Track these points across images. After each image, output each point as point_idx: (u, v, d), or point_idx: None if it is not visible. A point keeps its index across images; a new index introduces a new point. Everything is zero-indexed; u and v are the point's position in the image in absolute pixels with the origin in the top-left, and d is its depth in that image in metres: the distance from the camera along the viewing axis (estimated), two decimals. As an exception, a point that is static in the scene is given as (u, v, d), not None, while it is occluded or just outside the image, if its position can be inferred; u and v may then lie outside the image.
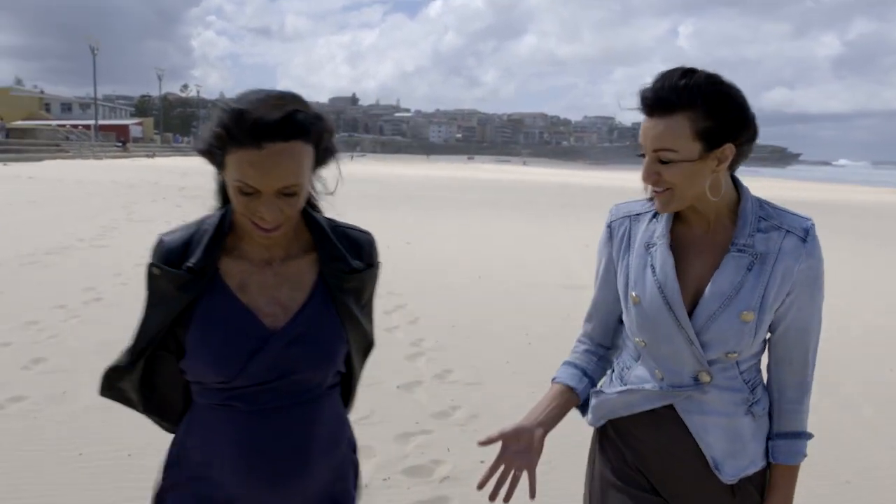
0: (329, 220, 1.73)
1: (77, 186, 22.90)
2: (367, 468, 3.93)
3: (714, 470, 1.73)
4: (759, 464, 1.77)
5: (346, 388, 1.81)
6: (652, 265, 1.73)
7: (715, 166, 1.62)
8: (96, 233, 12.56)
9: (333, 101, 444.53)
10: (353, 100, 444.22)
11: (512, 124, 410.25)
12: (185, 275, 1.58)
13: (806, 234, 1.66)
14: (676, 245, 1.73)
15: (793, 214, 1.71)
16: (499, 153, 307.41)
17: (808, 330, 1.72)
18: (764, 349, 1.78)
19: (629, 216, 1.83)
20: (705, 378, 1.70)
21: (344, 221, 1.76)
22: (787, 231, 1.67)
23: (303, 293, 1.65)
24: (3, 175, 26.43)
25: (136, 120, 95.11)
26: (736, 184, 1.72)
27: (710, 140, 1.58)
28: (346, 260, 1.68)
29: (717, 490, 1.75)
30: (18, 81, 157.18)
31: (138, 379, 1.68)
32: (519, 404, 2.97)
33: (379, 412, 4.75)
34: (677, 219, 1.75)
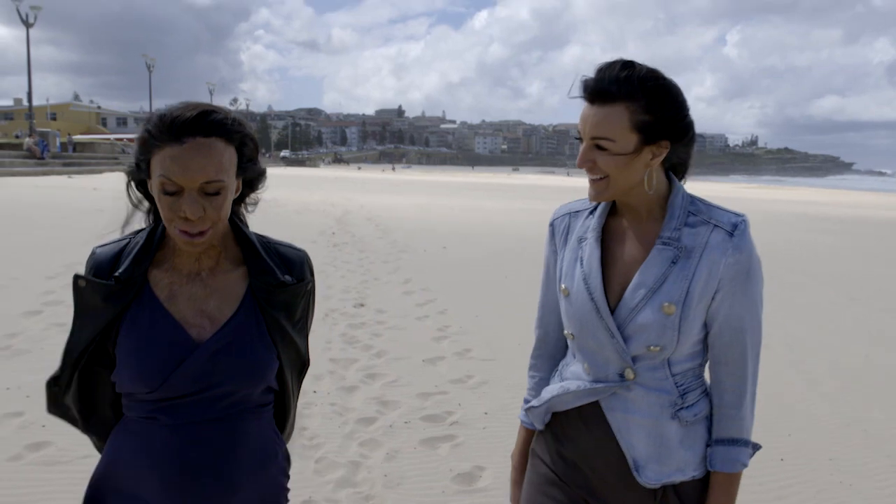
0: (260, 236, 1.76)
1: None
2: (392, 416, 4.90)
3: (633, 471, 1.72)
4: (690, 473, 1.73)
5: (281, 409, 1.81)
6: (581, 257, 1.76)
7: (649, 160, 1.65)
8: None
9: (380, 112, 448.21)
10: (399, 111, 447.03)
11: (557, 135, 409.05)
12: (112, 285, 1.60)
13: (734, 229, 1.66)
14: (608, 239, 1.76)
15: (724, 210, 1.70)
16: (544, 164, 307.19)
17: (742, 329, 1.69)
18: (704, 353, 1.76)
19: (569, 213, 1.88)
20: (629, 375, 1.70)
21: (277, 238, 1.81)
22: (715, 226, 1.67)
23: (231, 306, 1.66)
24: (70, 186, 28.05)
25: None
26: (670, 180, 1.74)
27: (647, 134, 1.62)
28: (274, 273, 1.69)
29: (639, 494, 1.74)
30: (76, 97, 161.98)
31: (75, 395, 1.69)
32: (524, 375, 3.86)
33: (405, 378, 5.71)
34: (611, 214, 1.79)
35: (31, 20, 41.76)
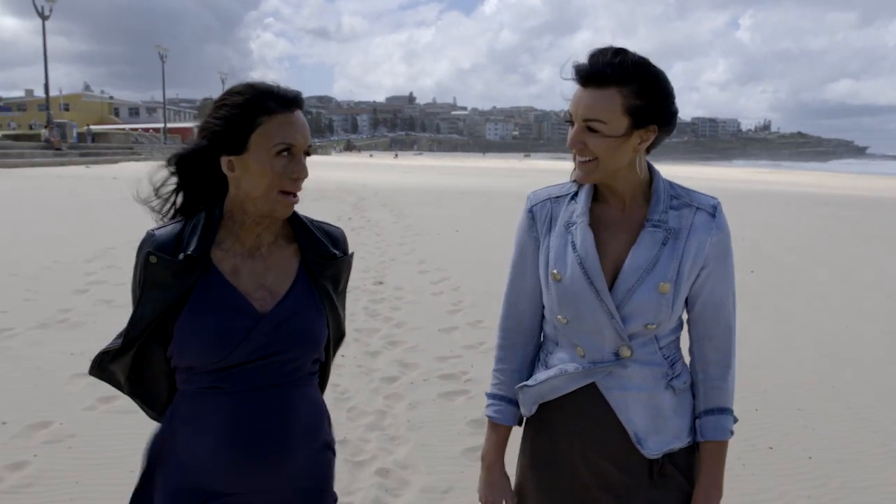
0: (305, 216, 1.88)
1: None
2: (412, 375, 5.53)
3: (636, 445, 1.77)
4: (684, 440, 1.82)
5: (322, 377, 1.93)
6: (573, 242, 1.79)
7: (637, 144, 1.71)
8: (185, 223, 14.44)
9: (390, 100, 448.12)
10: (410, 98, 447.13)
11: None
12: (182, 262, 1.68)
13: (714, 211, 1.77)
14: (595, 224, 1.79)
15: (701, 194, 1.82)
16: (555, 150, 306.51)
17: (724, 305, 1.80)
18: (681, 327, 1.85)
19: (550, 199, 1.89)
20: (626, 353, 1.76)
21: (317, 219, 1.93)
22: (698, 208, 1.77)
23: (288, 279, 1.78)
24: (90, 175, 28.78)
25: (198, 122, 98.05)
26: (649, 167, 1.82)
27: (638, 118, 1.67)
28: (325, 247, 1.83)
29: (637, 467, 1.80)
30: (87, 87, 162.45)
31: (128, 365, 1.77)
32: None
33: (423, 344, 6.34)
34: (595, 199, 1.83)
35: (46, 12, 42.44)
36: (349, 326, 6.71)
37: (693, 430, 1.83)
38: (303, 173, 1.70)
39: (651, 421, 1.78)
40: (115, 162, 42.70)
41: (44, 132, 41.26)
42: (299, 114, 1.71)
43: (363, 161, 77.34)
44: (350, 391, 5.13)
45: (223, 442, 1.71)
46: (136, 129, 64.59)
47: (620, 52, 1.68)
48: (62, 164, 36.53)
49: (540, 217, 1.88)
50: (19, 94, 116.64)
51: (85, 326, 6.56)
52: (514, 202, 22.49)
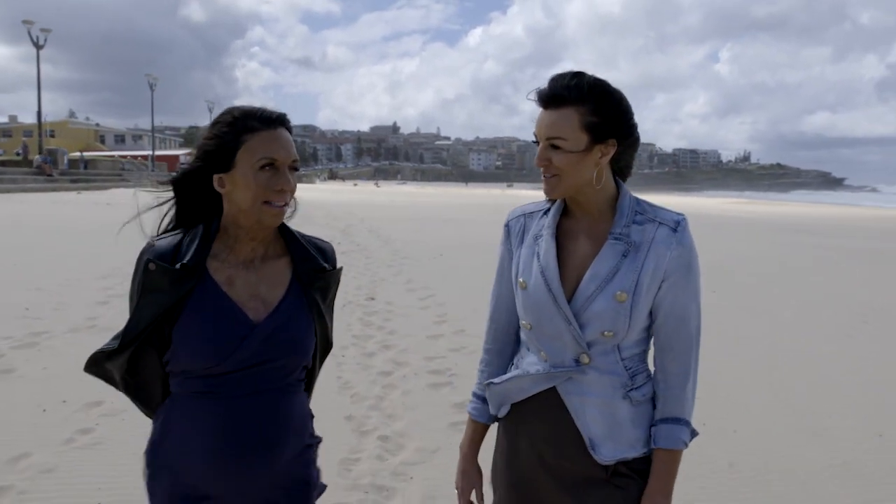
0: (297, 231, 1.97)
1: (151, 211, 25.85)
2: (405, 370, 6.42)
3: (590, 450, 1.85)
4: (640, 450, 1.88)
5: (307, 385, 2.02)
6: (538, 253, 1.89)
7: (598, 158, 1.80)
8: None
9: (374, 129, 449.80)
10: (394, 128, 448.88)
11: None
12: (179, 271, 1.76)
13: (677, 226, 1.84)
14: (562, 236, 1.90)
15: (666, 210, 1.88)
16: (538, 180, 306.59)
17: (685, 318, 1.86)
18: (648, 340, 1.92)
19: (524, 214, 2.01)
20: (585, 359, 1.84)
21: (307, 234, 2.01)
22: (660, 223, 1.84)
23: (280, 290, 1.87)
24: (83, 201, 29.57)
25: (185, 150, 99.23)
26: (617, 184, 1.90)
27: (596, 133, 1.78)
28: (316, 261, 1.92)
29: (593, 472, 1.87)
30: (72, 114, 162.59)
31: (124, 366, 1.84)
32: None
33: (413, 348, 7.23)
34: (564, 214, 1.93)
35: (41, 42, 43.38)
36: (348, 333, 7.65)
37: (650, 440, 1.89)
38: (286, 185, 1.78)
39: (607, 428, 1.85)
40: (105, 188, 43.29)
41: (36, 158, 41.99)
42: (282, 131, 1.81)
43: (347, 189, 78.23)
44: (352, 381, 6.01)
45: (215, 445, 1.79)
46: (124, 157, 65.28)
47: (577, 76, 1.80)
48: (54, 190, 37.23)
49: (514, 230, 2.01)
50: (2, 119, 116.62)
51: (112, 331, 7.23)
52: (495, 228, 23.36)
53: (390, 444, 4.74)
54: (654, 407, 1.92)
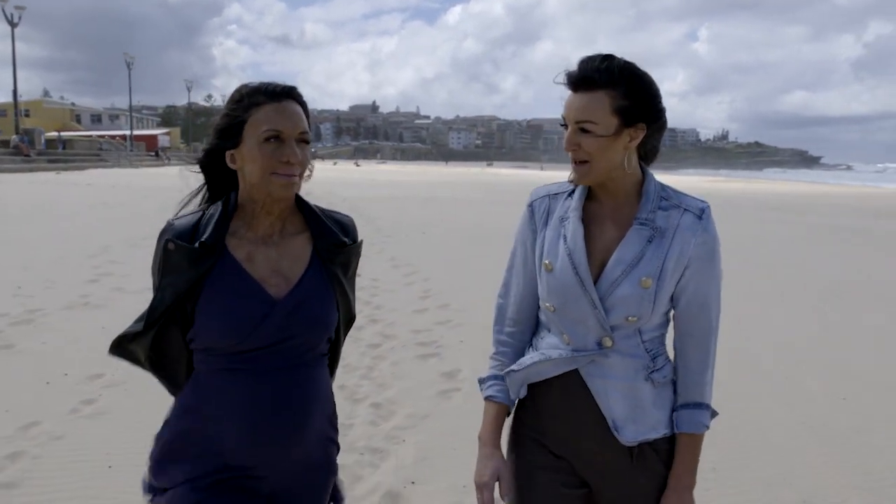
0: (316, 205, 1.95)
1: (131, 191, 25.92)
2: (393, 343, 6.66)
3: (613, 431, 1.85)
4: (662, 431, 1.89)
5: (333, 358, 2.03)
6: (564, 235, 1.87)
7: (627, 142, 1.79)
8: (169, 225, 15.48)
9: (354, 108, 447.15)
10: (374, 107, 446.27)
11: (531, 130, 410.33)
12: (199, 250, 1.76)
13: (702, 213, 1.84)
14: (587, 219, 1.88)
15: (691, 197, 1.88)
16: (518, 159, 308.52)
17: (707, 305, 1.87)
18: (667, 323, 1.93)
19: (549, 195, 1.98)
20: (608, 343, 1.83)
21: (328, 208, 1.99)
22: (685, 210, 1.84)
23: (301, 265, 1.86)
24: (63, 182, 29.52)
25: (164, 130, 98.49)
26: (642, 169, 1.89)
27: (626, 117, 1.76)
28: (336, 235, 1.91)
29: (617, 453, 1.88)
30: (46, 93, 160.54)
31: (148, 345, 1.85)
32: (485, 324, 4.46)
33: (399, 322, 7.46)
34: (589, 197, 1.91)
35: (15, 20, 42.94)
36: (335, 308, 7.82)
37: (672, 421, 1.91)
38: (293, 157, 1.76)
39: (630, 410, 1.86)
40: (84, 169, 43.18)
41: (14, 138, 41.67)
42: (289, 103, 1.80)
43: (327, 168, 78.15)
44: (343, 353, 6.18)
45: (242, 420, 1.79)
46: (102, 137, 64.79)
47: (608, 58, 1.78)
48: (31, 171, 37.08)
49: (538, 211, 1.98)
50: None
51: (106, 308, 7.57)
52: (476, 206, 23.82)
53: (382, 410, 4.98)
54: (675, 390, 1.94)
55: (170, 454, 1.86)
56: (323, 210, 1.96)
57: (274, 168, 1.75)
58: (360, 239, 2.01)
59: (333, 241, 1.91)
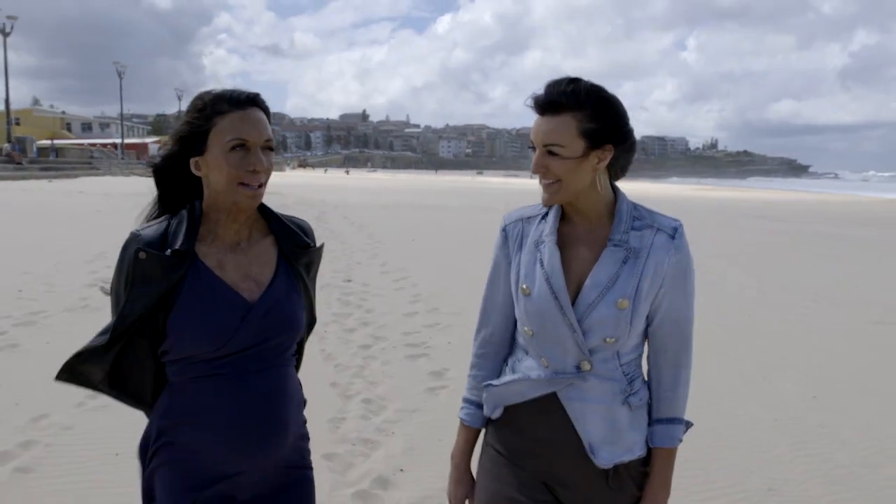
0: (276, 211, 1.98)
1: (125, 198, 26.08)
2: (383, 344, 6.93)
3: (590, 454, 1.87)
4: (637, 453, 1.91)
5: (297, 359, 2.06)
6: (541, 259, 1.88)
7: (595, 164, 1.81)
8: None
9: (344, 117, 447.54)
10: (364, 116, 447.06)
11: (521, 139, 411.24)
12: (170, 257, 1.76)
13: (674, 233, 1.86)
14: (562, 242, 1.88)
15: (663, 216, 1.90)
16: (508, 167, 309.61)
17: (680, 322, 1.90)
18: (643, 345, 1.95)
19: (521, 219, 1.99)
20: (586, 366, 1.85)
21: (284, 213, 2.01)
22: (658, 229, 1.86)
23: (269, 269, 1.89)
24: (54, 190, 29.67)
25: (154, 138, 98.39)
26: (615, 190, 1.92)
27: (593, 139, 1.78)
28: (300, 237, 1.95)
29: (593, 475, 1.90)
30: (36, 101, 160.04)
31: (110, 362, 1.82)
32: (473, 327, 4.70)
33: (390, 324, 7.72)
34: (563, 220, 1.92)
35: (7, 29, 43.09)
36: (328, 311, 8.16)
37: (647, 443, 1.94)
38: (259, 165, 1.77)
39: (607, 433, 1.88)
40: (75, 177, 43.32)
41: (5, 146, 41.81)
42: (253, 111, 1.80)
43: (318, 176, 78.39)
44: (335, 353, 6.49)
45: (227, 425, 1.80)
46: (94, 145, 64.86)
47: (574, 81, 1.80)
48: (24, 178, 37.25)
49: (512, 235, 1.99)
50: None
51: (104, 311, 7.56)
52: (466, 214, 24.13)
53: (373, 405, 5.24)
54: (650, 409, 1.97)
55: (155, 468, 1.87)
56: (282, 214, 2.00)
57: (241, 178, 1.77)
58: (321, 243, 2.05)
59: (297, 243, 1.95)
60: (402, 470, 4.21)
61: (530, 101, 1.84)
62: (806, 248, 17.34)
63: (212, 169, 1.79)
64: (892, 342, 7.83)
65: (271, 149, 1.82)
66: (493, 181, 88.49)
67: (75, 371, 1.85)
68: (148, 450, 1.88)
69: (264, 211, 1.94)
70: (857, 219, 28.82)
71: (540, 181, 1.86)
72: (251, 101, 1.81)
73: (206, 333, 1.77)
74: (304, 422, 2.03)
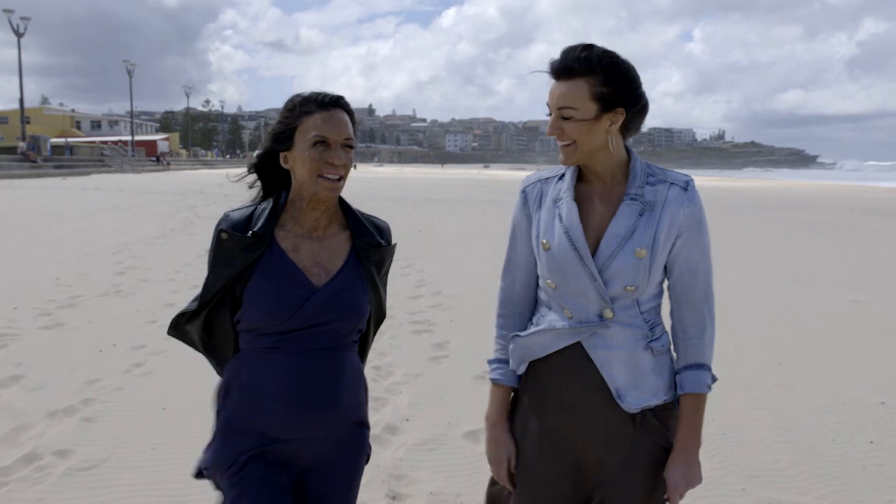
0: (358, 210, 2.13)
1: (138, 195, 26.93)
2: (390, 322, 7.60)
3: (617, 399, 1.93)
4: (662, 397, 1.98)
5: (362, 348, 2.20)
6: (559, 215, 1.96)
7: (608, 126, 1.88)
8: (181, 225, 16.53)
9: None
10: (370, 110, 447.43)
11: (527, 132, 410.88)
12: (250, 239, 1.95)
13: (686, 185, 1.95)
14: (579, 199, 1.97)
15: (675, 172, 1.99)
16: (515, 161, 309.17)
17: (698, 271, 1.96)
18: (661, 294, 2.02)
19: (540, 180, 2.07)
20: (608, 314, 1.92)
21: (368, 213, 2.17)
22: (671, 183, 1.94)
23: (340, 259, 2.05)
24: (70, 186, 30.48)
25: (163, 135, 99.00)
26: (627, 149, 1.99)
27: (605, 103, 1.86)
28: (373, 236, 2.09)
29: (620, 420, 1.95)
30: (45, 100, 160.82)
31: (201, 325, 2.05)
32: (474, 306, 5.05)
33: (396, 306, 8.41)
34: (580, 179, 2.00)
35: (21, 30, 43.91)
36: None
37: (670, 388, 1.99)
38: (336, 160, 1.93)
39: (631, 378, 1.93)
40: (88, 174, 44.03)
41: (21, 145, 42.67)
42: (336, 112, 1.96)
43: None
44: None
45: (282, 394, 1.97)
46: (105, 143, 65.64)
47: (588, 48, 1.87)
48: (39, 176, 38.10)
49: (531, 196, 2.06)
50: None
51: (136, 295, 8.54)
52: (472, 206, 24.76)
53: (382, 371, 5.94)
54: (672, 357, 2.03)
55: (223, 438, 2.05)
56: (363, 213, 2.15)
57: (321, 170, 1.94)
58: (393, 243, 2.19)
59: (370, 241, 2.09)
60: (407, 420, 4.91)
61: (546, 67, 1.93)
62: (796, 234, 17.98)
63: (296, 162, 1.97)
64: (865, 318, 8.50)
65: (351, 147, 1.99)
66: (500, 174, 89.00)
67: (179, 328, 2.12)
68: (219, 399, 2.11)
69: (345, 207, 2.12)
70: (853, 207, 29.41)
71: (558, 143, 1.96)
72: (335, 103, 1.99)
73: (271, 308, 1.96)
74: (364, 409, 2.16)
